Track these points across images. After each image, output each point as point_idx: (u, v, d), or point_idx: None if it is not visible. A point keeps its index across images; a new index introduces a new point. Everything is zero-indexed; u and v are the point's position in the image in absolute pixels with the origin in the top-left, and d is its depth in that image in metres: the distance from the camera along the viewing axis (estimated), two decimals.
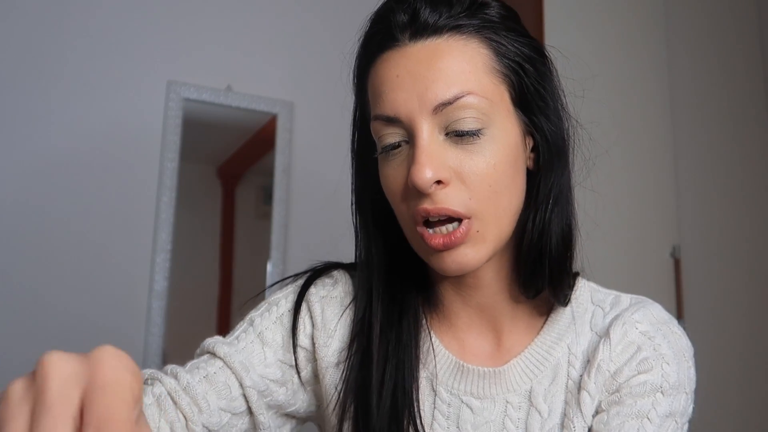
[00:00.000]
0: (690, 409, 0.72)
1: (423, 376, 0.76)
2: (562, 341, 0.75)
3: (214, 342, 0.76)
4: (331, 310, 0.79)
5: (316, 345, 0.78)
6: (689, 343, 0.75)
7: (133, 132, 2.04)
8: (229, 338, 0.79)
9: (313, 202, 2.18)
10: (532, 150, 0.72)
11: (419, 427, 0.72)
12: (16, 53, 1.94)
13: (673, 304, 2.14)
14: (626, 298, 0.77)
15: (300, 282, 0.83)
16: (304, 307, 0.80)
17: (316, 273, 0.83)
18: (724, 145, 2.20)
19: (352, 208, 0.80)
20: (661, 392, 0.70)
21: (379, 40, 0.70)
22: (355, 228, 0.79)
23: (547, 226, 0.71)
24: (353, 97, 0.78)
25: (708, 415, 2.03)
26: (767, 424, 1.95)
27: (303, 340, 0.79)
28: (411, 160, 0.66)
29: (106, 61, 2.03)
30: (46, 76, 1.96)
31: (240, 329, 0.79)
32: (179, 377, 0.70)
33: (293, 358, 0.77)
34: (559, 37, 2.05)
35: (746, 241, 2.09)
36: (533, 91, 0.70)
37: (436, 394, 0.75)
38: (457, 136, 0.66)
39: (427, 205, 0.65)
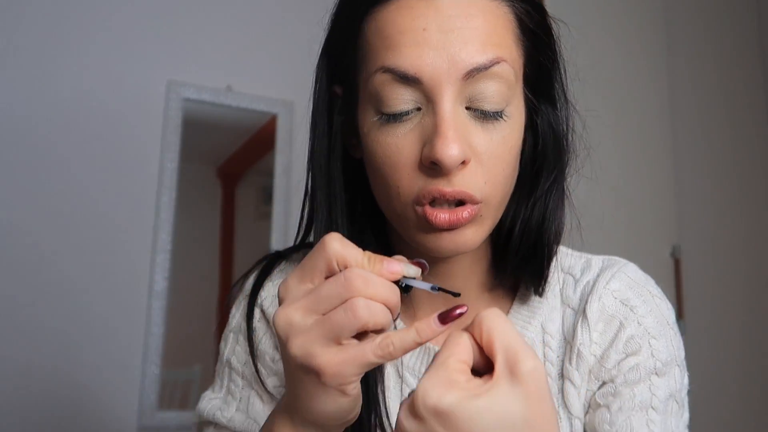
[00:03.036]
0: (686, 380, 0.69)
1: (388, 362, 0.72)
2: (534, 320, 0.70)
3: (211, 409, 0.74)
4: None
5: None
6: (670, 306, 0.72)
7: (133, 132, 2.04)
8: (221, 393, 0.75)
9: None
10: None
11: (385, 418, 0.67)
12: (15, 53, 1.94)
13: (673, 304, 2.14)
14: (597, 262, 0.72)
15: (248, 288, 0.76)
16: (258, 315, 0.75)
17: (263, 273, 0.76)
18: (724, 146, 2.20)
19: (308, 175, 0.69)
20: (656, 374, 0.66)
21: None
22: (311, 198, 0.69)
23: (548, 219, 0.67)
24: (322, 39, 0.69)
25: (708, 415, 2.03)
26: (766, 423, 1.95)
27: (270, 351, 0.74)
28: (431, 131, 0.58)
29: (106, 60, 2.03)
30: (46, 76, 1.96)
31: (225, 377, 0.76)
32: None
33: (255, 372, 0.73)
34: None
35: (746, 241, 2.09)
36: (544, 71, 0.66)
37: (402, 381, 0.70)
38: (482, 113, 0.59)
39: (443, 187, 0.58)
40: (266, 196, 2.20)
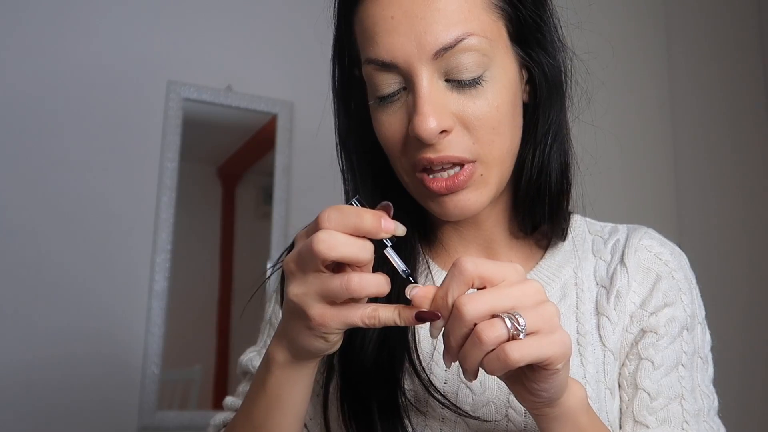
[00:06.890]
0: (708, 337, 0.74)
1: None
2: (566, 266, 0.74)
3: (249, 358, 0.79)
4: None
5: None
6: (691, 269, 0.77)
7: (133, 132, 2.04)
8: (259, 346, 0.80)
9: (313, 202, 2.18)
10: (527, 82, 0.70)
11: (416, 361, 0.69)
12: (15, 52, 1.94)
13: None
14: (623, 227, 0.78)
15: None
16: None
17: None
18: (724, 145, 2.20)
19: (337, 151, 0.77)
20: (686, 329, 0.71)
21: None
22: (342, 171, 0.77)
23: (546, 163, 0.70)
24: (332, 29, 0.74)
25: None
26: (767, 423, 1.95)
27: None
28: (412, 108, 0.63)
29: (106, 60, 2.03)
30: (46, 77, 1.96)
31: (265, 333, 0.81)
32: None
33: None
34: None
35: (746, 240, 2.09)
36: (530, 23, 0.68)
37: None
38: (459, 83, 0.62)
39: (430, 155, 0.63)
40: (266, 196, 2.20)
